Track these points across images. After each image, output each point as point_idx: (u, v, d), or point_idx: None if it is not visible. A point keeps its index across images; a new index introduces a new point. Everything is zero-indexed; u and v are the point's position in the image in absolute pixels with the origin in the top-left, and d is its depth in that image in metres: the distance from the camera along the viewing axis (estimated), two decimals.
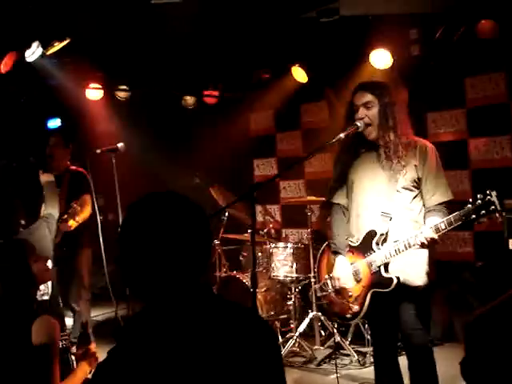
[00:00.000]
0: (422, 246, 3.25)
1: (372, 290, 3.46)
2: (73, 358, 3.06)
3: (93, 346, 3.08)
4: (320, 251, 4.17)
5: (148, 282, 1.72)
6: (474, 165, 6.23)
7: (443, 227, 3.17)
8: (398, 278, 3.36)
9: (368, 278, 3.48)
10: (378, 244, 3.42)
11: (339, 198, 3.75)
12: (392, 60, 5.96)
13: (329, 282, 3.72)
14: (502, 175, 6.00)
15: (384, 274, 3.39)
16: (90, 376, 2.97)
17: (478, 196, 3.03)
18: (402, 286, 3.38)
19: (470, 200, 3.08)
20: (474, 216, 3.04)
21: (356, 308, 3.52)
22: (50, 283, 3.94)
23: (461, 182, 6.17)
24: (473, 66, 6.05)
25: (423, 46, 6.02)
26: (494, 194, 3.01)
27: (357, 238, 3.58)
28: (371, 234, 3.47)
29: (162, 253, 1.69)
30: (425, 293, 3.45)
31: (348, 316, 3.59)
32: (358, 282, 3.52)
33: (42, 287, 3.68)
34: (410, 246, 3.29)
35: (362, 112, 3.48)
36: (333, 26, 5.47)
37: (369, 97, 3.49)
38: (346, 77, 6.30)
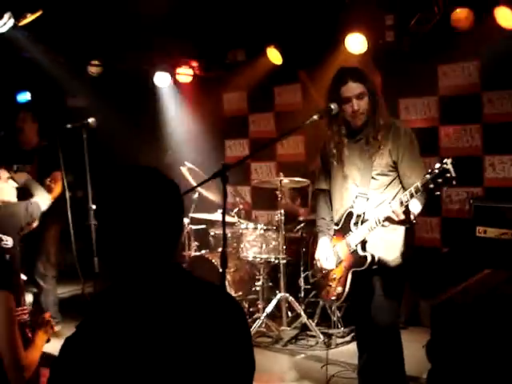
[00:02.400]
0: (390, 221, 3.27)
1: (352, 270, 3.51)
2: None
3: (47, 315, 3.10)
4: (311, 239, 4.23)
5: (120, 255, 1.71)
6: (444, 152, 6.28)
7: (405, 199, 3.21)
8: (372, 256, 3.43)
9: (348, 258, 3.55)
10: (356, 224, 3.48)
11: (323, 184, 3.85)
12: (367, 45, 5.96)
13: (316, 266, 3.78)
14: (471, 163, 6.08)
15: (360, 253, 3.46)
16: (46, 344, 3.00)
17: (436, 165, 3.08)
18: (377, 265, 3.45)
19: (429, 170, 3.12)
20: (432, 185, 3.08)
21: (339, 289, 3.58)
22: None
23: (431, 169, 6.21)
24: (447, 55, 6.08)
25: (398, 32, 6.05)
26: (449, 161, 3.05)
27: (337, 221, 3.66)
28: (349, 216, 3.54)
29: (134, 226, 1.68)
30: (397, 274, 3.51)
31: (333, 298, 3.64)
32: (340, 263, 3.58)
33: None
34: (379, 222, 3.33)
35: (356, 103, 3.48)
36: (308, 8, 5.45)
37: (360, 87, 3.49)
38: (321, 60, 6.31)
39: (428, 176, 3.10)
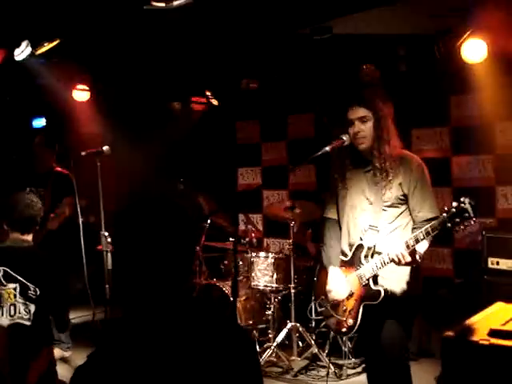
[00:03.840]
0: (396, 262, 3.28)
1: (363, 303, 3.49)
2: None
3: None
4: (318, 267, 4.21)
5: (134, 283, 1.74)
6: (456, 183, 6.29)
7: (412, 243, 3.23)
8: (385, 291, 3.40)
9: (359, 291, 3.52)
10: (366, 257, 3.47)
11: (332, 213, 3.82)
12: (380, 75, 6.00)
13: (325, 297, 3.75)
14: (483, 194, 6.06)
15: (373, 287, 3.43)
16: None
17: (453, 204, 3.08)
18: (386, 299, 3.43)
19: (446, 209, 3.12)
20: (449, 224, 3.08)
21: (350, 322, 3.54)
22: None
23: (442, 200, 6.22)
24: (458, 85, 6.11)
25: (410, 63, 6.09)
26: (467, 200, 3.05)
27: (346, 253, 3.64)
28: (360, 248, 3.52)
29: (149, 255, 1.71)
30: (405, 306, 3.48)
31: (344, 330, 3.61)
32: (351, 295, 3.56)
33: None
34: (385, 263, 3.33)
35: (358, 126, 3.51)
36: (324, 43, 5.51)
37: (364, 111, 3.52)
38: (334, 91, 6.36)
39: (445, 215, 3.09)
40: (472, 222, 3.05)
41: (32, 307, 3.59)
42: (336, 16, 5.16)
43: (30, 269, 3.66)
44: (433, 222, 3.16)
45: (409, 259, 3.23)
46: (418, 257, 3.30)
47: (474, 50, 5.37)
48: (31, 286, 3.62)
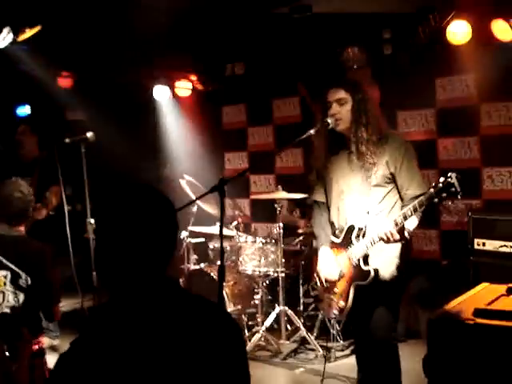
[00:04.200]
0: (385, 240, 3.28)
1: (354, 284, 3.50)
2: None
3: None
4: (312, 252, 4.22)
5: (115, 269, 1.74)
6: (442, 164, 6.30)
7: (400, 221, 3.24)
8: (375, 270, 3.42)
9: (350, 271, 3.53)
10: (357, 237, 3.48)
11: (319, 196, 3.83)
12: (365, 58, 5.99)
13: (317, 279, 3.76)
14: (469, 175, 6.08)
15: (363, 267, 3.45)
16: None
17: (440, 179, 3.09)
18: (375, 279, 3.44)
19: (433, 184, 3.13)
20: (436, 199, 3.09)
21: (342, 303, 3.56)
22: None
23: (429, 181, 6.21)
24: (444, 68, 6.11)
25: (395, 46, 6.08)
26: (454, 175, 3.06)
27: (338, 234, 3.65)
28: (350, 229, 3.53)
29: (129, 242, 1.71)
30: (393, 288, 3.50)
31: (335, 312, 3.62)
32: (342, 277, 3.57)
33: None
34: (374, 242, 3.34)
35: (334, 108, 3.52)
36: (305, 22, 5.48)
37: (342, 93, 3.53)
38: (319, 73, 6.34)
39: (432, 190, 3.10)
40: (459, 197, 3.05)
41: (21, 296, 3.56)
42: None
43: (22, 257, 3.63)
44: (420, 198, 3.18)
45: (397, 237, 3.24)
46: (406, 233, 3.31)
47: (459, 31, 5.37)
48: (23, 275, 3.59)
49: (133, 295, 1.71)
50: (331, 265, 3.62)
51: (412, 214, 3.21)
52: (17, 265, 3.59)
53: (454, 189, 3.04)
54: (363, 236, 3.47)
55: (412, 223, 3.34)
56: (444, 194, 3.07)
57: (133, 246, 1.71)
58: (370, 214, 3.49)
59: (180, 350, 1.65)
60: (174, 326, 1.68)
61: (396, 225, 3.24)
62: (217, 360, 1.69)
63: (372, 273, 3.43)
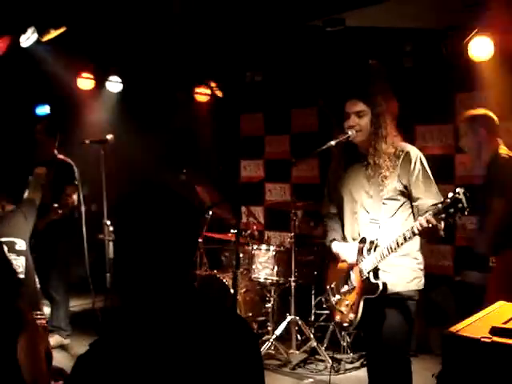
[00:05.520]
0: (420, 231, 3.22)
1: (364, 297, 3.49)
2: None
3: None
4: (325, 262, 4.22)
5: (135, 272, 1.73)
6: (459, 180, 6.27)
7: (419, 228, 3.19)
8: (384, 284, 3.40)
9: (360, 284, 3.52)
10: (369, 251, 3.47)
11: (331, 208, 3.86)
12: (386, 71, 5.99)
13: (330, 291, 3.76)
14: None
15: (372, 280, 3.43)
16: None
17: (448, 195, 3.08)
18: (388, 294, 3.43)
19: (441, 200, 3.13)
20: (443, 215, 3.07)
21: (351, 316, 3.55)
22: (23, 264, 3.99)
23: (443, 198, 6.19)
24: (464, 83, 6.10)
25: (416, 59, 6.08)
26: (461, 191, 3.03)
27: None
28: (362, 241, 3.52)
29: (151, 244, 1.71)
30: (408, 301, 3.49)
31: (345, 324, 3.61)
32: (353, 289, 3.57)
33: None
34: (392, 248, 3.32)
35: (353, 120, 3.51)
36: (329, 35, 5.50)
37: (361, 105, 3.52)
38: (339, 85, 6.35)
39: (440, 206, 3.09)
40: (466, 213, 3.04)
41: (22, 259, 3.72)
42: (349, 8, 5.14)
43: (13, 226, 3.99)
44: (428, 213, 3.15)
45: (434, 222, 3.17)
46: (441, 232, 3.27)
47: (481, 47, 5.36)
48: (16, 240, 3.90)
49: (152, 299, 1.71)
50: (348, 250, 3.61)
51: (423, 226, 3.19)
52: (11, 235, 3.93)
53: (461, 204, 3.03)
54: (374, 249, 3.46)
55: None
56: (451, 210, 3.05)
57: (154, 249, 1.70)
58: (381, 227, 3.48)
59: (197, 355, 1.65)
60: (192, 331, 1.68)
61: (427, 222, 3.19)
62: (233, 365, 1.70)
63: (381, 286, 3.41)
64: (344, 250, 3.65)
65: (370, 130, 3.51)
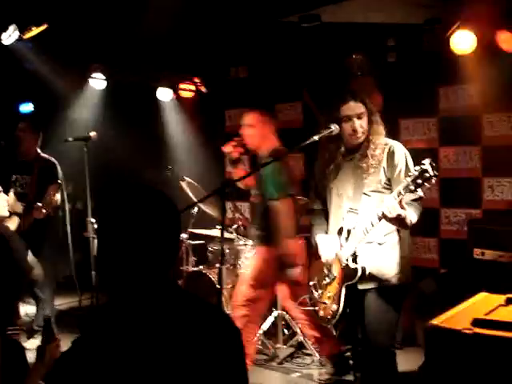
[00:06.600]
0: (387, 218, 3.27)
1: (344, 285, 3.52)
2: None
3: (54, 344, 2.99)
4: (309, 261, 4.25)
5: (117, 270, 1.74)
6: (442, 173, 6.31)
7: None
8: (363, 269, 3.44)
9: (340, 273, 3.55)
10: (346, 239, 3.50)
11: (317, 204, 3.90)
12: (369, 66, 6.01)
13: (313, 288, 3.78)
14: (470, 185, 6.11)
15: (351, 266, 3.46)
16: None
17: (415, 168, 3.13)
18: (373, 284, 3.46)
19: (409, 174, 3.19)
20: (412, 187, 3.12)
21: (334, 307, 3.58)
22: None
23: (429, 190, 6.23)
24: (447, 76, 6.12)
25: (399, 54, 6.10)
26: (427, 161, 3.11)
27: None
28: (340, 231, 3.54)
29: (133, 243, 1.71)
30: (393, 293, 3.52)
31: (329, 317, 3.63)
32: (333, 280, 3.59)
33: None
34: (376, 221, 3.35)
35: (356, 122, 3.56)
36: (311, 30, 5.51)
37: (360, 107, 3.58)
38: (323, 80, 6.37)
39: (408, 179, 3.14)
40: (433, 181, 3.09)
41: None
42: (325, 4, 5.16)
43: None
44: (398, 187, 3.19)
45: (399, 211, 3.21)
46: (408, 221, 3.32)
47: (463, 41, 5.38)
48: None
49: (134, 296, 1.71)
50: (327, 246, 3.65)
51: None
52: None
53: (427, 174, 3.08)
54: (352, 236, 3.49)
55: (412, 215, 3.36)
56: (419, 181, 3.11)
57: (136, 247, 1.71)
58: (360, 215, 3.52)
59: (179, 351, 1.66)
60: (174, 327, 1.69)
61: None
62: (215, 361, 1.70)
63: (359, 271, 3.45)
64: (323, 242, 3.69)
65: (369, 129, 3.59)
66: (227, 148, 5.07)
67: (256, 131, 4.89)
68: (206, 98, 8.14)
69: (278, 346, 5.71)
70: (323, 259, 3.68)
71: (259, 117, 4.93)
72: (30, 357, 2.92)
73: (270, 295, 5.01)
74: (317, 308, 3.78)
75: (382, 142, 3.59)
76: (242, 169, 5.15)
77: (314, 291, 3.78)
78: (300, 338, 5.52)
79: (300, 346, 5.63)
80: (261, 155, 4.88)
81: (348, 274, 3.50)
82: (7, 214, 4.34)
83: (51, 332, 2.96)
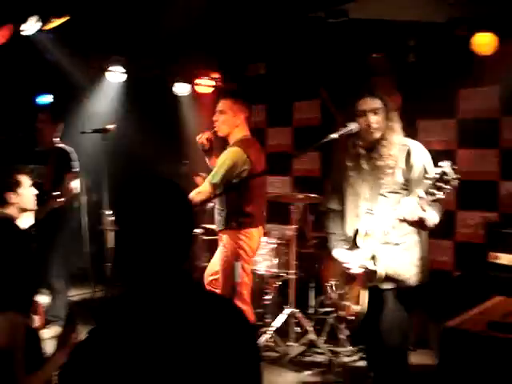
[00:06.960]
0: (408, 221, 3.27)
1: (366, 286, 3.51)
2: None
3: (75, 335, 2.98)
4: (324, 260, 4.25)
5: (134, 264, 1.75)
6: (462, 175, 6.24)
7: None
8: (381, 271, 3.42)
9: (359, 275, 3.53)
10: (363, 241, 3.48)
11: (334, 204, 3.84)
12: (389, 66, 5.99)
13: (330, 289, 3.77)
14: (487, 188, 6.06)
15: (371, 268, 3.45)
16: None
17: (436, 170, 3.11)
18: (389, 284, 3.45)
19: (429, 176, 3.18)
20: (433, 190, 3.10)
21: (357, 308, 3.56)
22: None
23: (447, 192, 6.19)
24: (468, 78, 6.08)
25: (419, 54, 6.07)
26: (446, 164, 3.10)
27: (349, 239, 3.68)
28: (357, 232, 3.53)
29: (149, 235, 1.72)
30: (411, 295, 3.51)
31: (352, 318, 3.62)
32: (354, 281, 3.58)
33: None
34: (387, 231, 3.33)
35: (371, 117, 3.53)
36: (332, 28, 5.48)
37: (377, 102, 3.55)
38: (342, 79, 6.35)
39: (428, 181, 3.12)
40: (455, 184, 3.09)
41: None
42: (350, 0, 5.12)
43: None
44: (418, 189, 3.18)
45: (420, 213, 3.21)
46: (429, 223, 3.30)
47: (485, 42, 5.34)
48: None
49: (150, 287, 1.72)
50: (350, 261, 3.62)
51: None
52: None
53: (447, 176, 3.07)
54: (370, 238, 3.48)
55: (434, 216, 3.34)
56: (440, 184, 3.10)
57: (153, 238, 1.72)
58: (378, 216, 3.50)
59: (193, 344, 1.66)
60: (188, 319, 1.69)
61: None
62: (229, 354, 1.70)
63: (379, 272, 3.43)
64: (345, 259, 3.66)
65: (384, 125, 3.53)
66: (198, 137, 5.03)
67: (226, 118, 4.83)
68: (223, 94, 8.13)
69: (290, 343, 5.70)
70: (348, 270, 3.66)
71: (231, 104, 4.86)
72: (43, 347, 2.94)
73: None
74: (336, 308, 3.77)
75: (400, 141, 3.56)
76: (216, 158, 5.09)
77: (331, 292, 3.77)
78: (312, 336, 5.51)
79: (311, 345, 5.62)
80: (229, 143, 4.88)
81: (367, 276, 3.48)
82: (35, 207, 4.37)
83: (74, 322, 2.97)
